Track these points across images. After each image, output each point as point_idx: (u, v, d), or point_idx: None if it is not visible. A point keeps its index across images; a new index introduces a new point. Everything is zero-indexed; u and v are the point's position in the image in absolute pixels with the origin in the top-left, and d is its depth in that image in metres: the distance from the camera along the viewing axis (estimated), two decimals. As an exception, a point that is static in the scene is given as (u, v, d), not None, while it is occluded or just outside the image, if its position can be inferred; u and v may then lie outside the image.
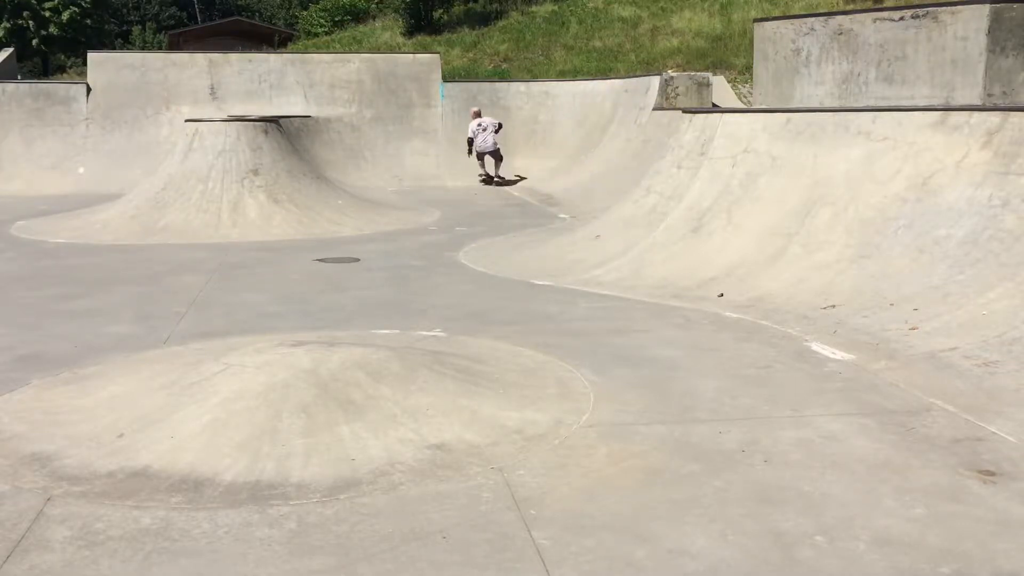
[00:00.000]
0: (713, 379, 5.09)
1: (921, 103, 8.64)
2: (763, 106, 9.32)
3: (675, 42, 22.25)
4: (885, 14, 9.27)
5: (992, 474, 3.78)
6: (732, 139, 8.58)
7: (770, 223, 7.53)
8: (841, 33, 9.27)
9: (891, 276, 6.47)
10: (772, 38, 9.73)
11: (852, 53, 9.20)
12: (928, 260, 6.39)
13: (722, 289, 7.16)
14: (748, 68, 17.02)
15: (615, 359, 5.50)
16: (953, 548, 3.16)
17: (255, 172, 11.88)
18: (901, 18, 8.96)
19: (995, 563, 3.06)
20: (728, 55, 20.29)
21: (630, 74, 19.05)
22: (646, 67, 20.62)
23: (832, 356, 5.50)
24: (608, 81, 18.84)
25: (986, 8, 8.54)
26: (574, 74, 21.62)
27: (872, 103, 8.98)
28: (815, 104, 9.40)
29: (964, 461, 3.90)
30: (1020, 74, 8.80)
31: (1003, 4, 8.62)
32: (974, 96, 8.64)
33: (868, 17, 9.32)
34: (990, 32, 8.51)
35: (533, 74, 22.31)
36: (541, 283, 7.93)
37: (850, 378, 5.06)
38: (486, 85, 19.80)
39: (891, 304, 6.19)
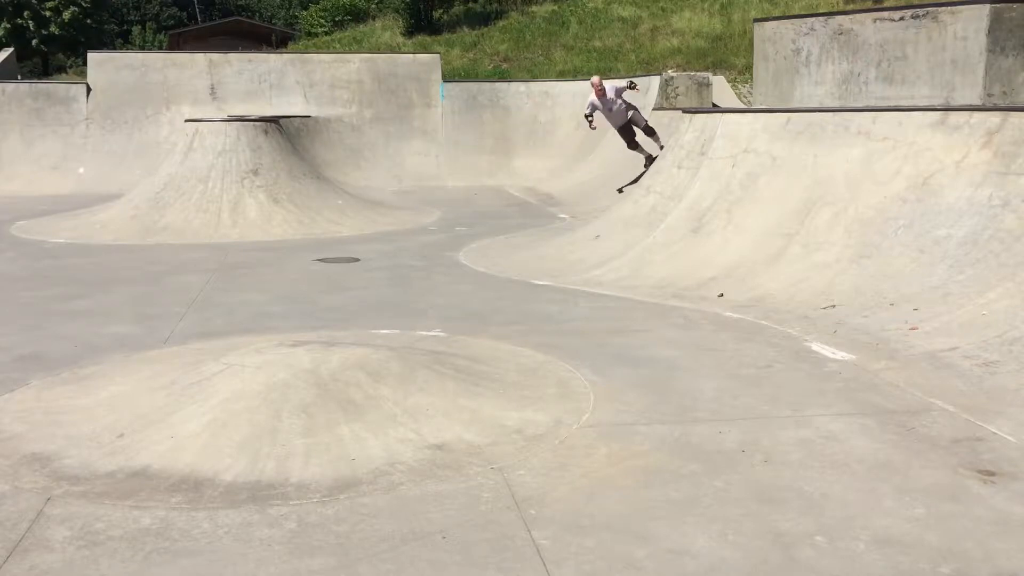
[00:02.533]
0: (713, 379, 5.09)
1: (921, 103, 8.64)
2: (763, 106, 9.32)
3: (675, 42, 22.27)
4: (885, 14, 9.26)
5: (992, 474, 3.78)
6: (732, 139, 8.58)
7: (770, 223, 7.53)
8: (841, 33, 9.27)
9: (891, 276, 6.47)
10: (772, 38, 9.73)
11: (852, 53, 9.20)
12: (928, 260, 6.39)
13: (722, 289, 7.16)
14: (748, 68, 17.03)
15: (615, 359, 5.50)
16: (953, 548, 3.16)
17: (255, 172, 11.88)
18: (901, 18, 8.96)
19: (995, 563, 3.06)
20: (728, 55, 20.30)
21: (630, 74, 19.07)
22: (646, 67, 20.64)
23: (832, 356, 5.50)
24: (609, 81, 18.84)
25: (986, 8, 8.54)
26: (574, 74, 21.63)
27: (872, 103, 8.98)
28: (815, 104, 9.40)
29: (964, 461, 3.90)
30: (1020, 74, 8.80)
31: (1003, 4, 8.62)
32: (974, 96, 8.64)
33: (868, 17, 9.31)
34: (990, 32, 8.51)
35: (533, 74, 22.32)
36: (541, 283, 7.93)
37: (850, 378, 5.06)
38: (486, 85, 19.81)
39: (891, 304, 6.20)
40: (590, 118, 12.49)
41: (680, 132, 9.43)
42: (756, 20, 10.06)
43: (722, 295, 6.96)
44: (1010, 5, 8.66)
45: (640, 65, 21.13)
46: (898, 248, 6.59)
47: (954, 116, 7.27)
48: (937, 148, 7.16)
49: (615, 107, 12.42)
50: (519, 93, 19.38)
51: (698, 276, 7.53)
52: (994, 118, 7.00)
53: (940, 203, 6.65)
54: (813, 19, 9.59)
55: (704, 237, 7.72)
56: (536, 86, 19.62)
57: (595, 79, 12.39)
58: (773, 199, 7.71)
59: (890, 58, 8.93)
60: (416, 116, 18.92)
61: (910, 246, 6.51)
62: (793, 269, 7.18)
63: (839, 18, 9.49)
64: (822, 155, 7.72)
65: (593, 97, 12.45)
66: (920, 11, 8.89)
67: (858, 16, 9.58)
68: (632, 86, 12.34)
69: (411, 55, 21.04)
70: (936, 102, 8.64)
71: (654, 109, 15.50)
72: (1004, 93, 8.74)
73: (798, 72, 9.63)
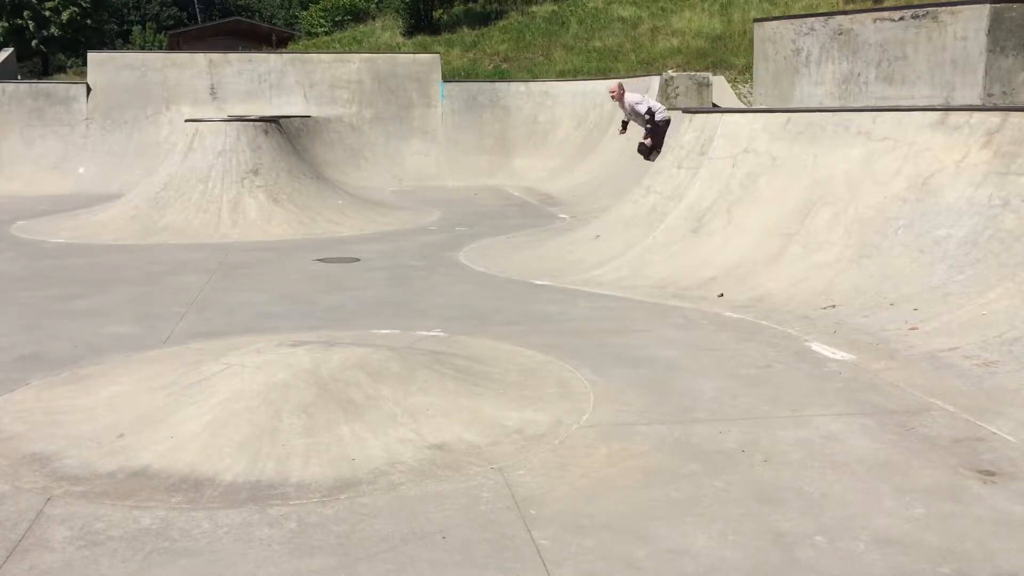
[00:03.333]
0: (713, 379, 5.09)
1: (921, 103, 8.63)
2: (763, 106, 9.31)
3: (675, 42, 22.26)
4: (885, 14, 9.25)
5: (992, 474, 3.78)
6: (732, 139, 8.57)
7: (771, 223, 7.52)
8: (841, 33, 9.27)
9: (891, 276, 6.47)
10: (772, 38, 9.73)
11: (852, 53, 9.20)
12: (928, 260, 6.39)
13: (722, 289, 7.16)
14: (748, 68, 17.03)
15: (615, 359, 5.49)
16: (953, 548, 3.16)
17: (255, 172, 11.88)
18: (901, 18, 8.95)
19: (995, 563, 3.06)
20: (728, 55, 20.29)
21: (630, 74, 19.09)
22: (646, 67, 20.64)
23: (832, 356, 5.50)
24: (608, 81, 18.86)
25: (986, 8, 8.54)
26: (574, 74, 21.64)
27: (872, 103, 8.98)
28: (815, 104, 9.39)
29: (964, 461, 3.90)
30: (1020, 74, 8.80)
31: (1003, 4, 8.62)
32: (974, 96, 8.63)
33: (868, 17, 9.30)
34: (990, 32, 8.51)
35: (533, 74, 22.32)
36: (541, 283, 7.92)
37: (850, 378, 5.06)
38: (486, 85, 19.83)
39: (891, 304, 6.20)
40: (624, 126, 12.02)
41: (680, 132, 9.42)
42: (756, 20, 10.05)
43: (722, 295, 6.95)
44: (1010, 5, 8.66)
45: (640, 65, 21.14)
46: (898, 248, 6.59)
47: (954, 116, 7.26)
48: (937, 148, 7.16)
49: (630, 117, 11.85)
50: (519, 93, 19.39)
51: (698, 276, 7.52)
52: (994, 118, 6.99)
53: (940, 203, 6.64)
54: (813, 19, 9.58)
55: (704, 237, 7.72)
56: (536, 86, 19.63)
57: (612, 86, 11.73)
58: (773, 199, 7.71)
59: (890, 58, 8.92)
60: (416, 116, 18.90)
61: (910, 246, 6.51)
62: (793, 269, 7.18)
63: (839, 18, 9.48)
64: (822, 155, 7.72)
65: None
66: (920, 11, 8.88)
67: (858, 16, 9.56)
68: (649, 118, 11.43)
69: (411, 55, 21.03)
70: (936, 102, 8.64)
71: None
72: (1004, 93, 8.74)
73: (798, 72, 9.63)
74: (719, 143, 8.64)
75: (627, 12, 25.21)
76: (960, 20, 8.60)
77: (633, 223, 8.61)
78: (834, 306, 6.44)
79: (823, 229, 7.12)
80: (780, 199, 7.58)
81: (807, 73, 9.57)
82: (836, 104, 9.26)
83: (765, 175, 7.99)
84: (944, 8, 8.82)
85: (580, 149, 17.63)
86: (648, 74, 17.76)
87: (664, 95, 15.89)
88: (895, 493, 3.60)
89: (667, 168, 9.12)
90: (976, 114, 7.15)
